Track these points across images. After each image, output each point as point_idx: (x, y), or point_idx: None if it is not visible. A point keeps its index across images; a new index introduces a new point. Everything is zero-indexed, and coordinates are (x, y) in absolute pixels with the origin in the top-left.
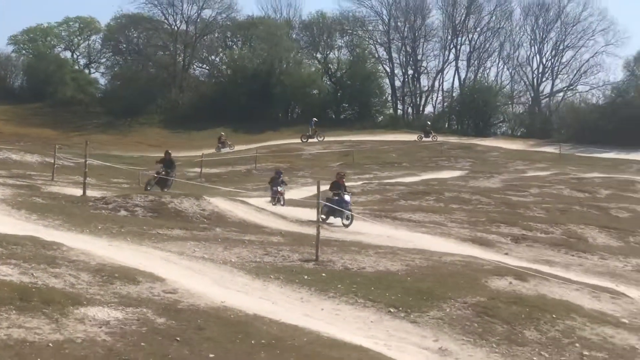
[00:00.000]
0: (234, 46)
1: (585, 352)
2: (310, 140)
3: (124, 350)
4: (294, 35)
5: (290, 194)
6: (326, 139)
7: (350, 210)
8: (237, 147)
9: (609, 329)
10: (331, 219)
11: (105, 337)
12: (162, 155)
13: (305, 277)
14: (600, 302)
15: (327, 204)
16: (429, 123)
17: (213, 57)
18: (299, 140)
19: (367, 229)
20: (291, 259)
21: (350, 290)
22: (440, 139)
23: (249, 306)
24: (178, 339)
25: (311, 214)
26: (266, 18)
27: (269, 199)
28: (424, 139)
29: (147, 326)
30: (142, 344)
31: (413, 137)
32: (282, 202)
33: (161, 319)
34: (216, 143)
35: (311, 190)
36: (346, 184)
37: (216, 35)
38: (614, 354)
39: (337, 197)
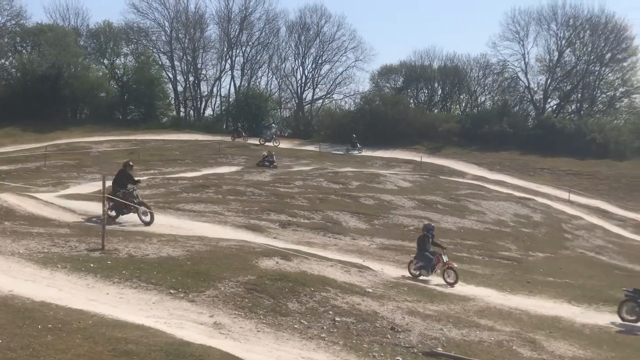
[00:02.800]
0: (24, 51)
1: (337, 318)
2: (267, 143)
3: None
4: (81, 42)
5: (78, 189)
6: (114, 137)
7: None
8: (27, 146)
9: (356, 297)
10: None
11: None
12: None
13: (92, 265)
14: (350, 275)
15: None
16: (355, 135)
17: (3, 60)
18: (87, 139)
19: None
20: (78, 249)
21: (134, 276)
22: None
23: (36, 294)
24: None
25: (98, 207)
26: (54, 25)
27: (414, 269)
28: (350, 151)
29: None
30: None
31: (194, 136)
32: (452, 280)
33: None
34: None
35: (98, 186)
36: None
37: (5, 40)
38: (360, 318)
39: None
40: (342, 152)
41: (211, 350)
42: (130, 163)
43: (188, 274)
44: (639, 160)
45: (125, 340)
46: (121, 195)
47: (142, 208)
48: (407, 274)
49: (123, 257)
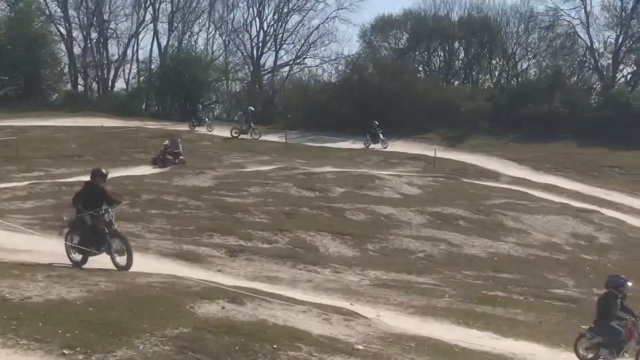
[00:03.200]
0: None
1: None
2: (242, 136)
3: None
4: None
5: None
6: None
7: None
8: None
9: (340, 358)
10: None
11: None
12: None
13: None
14: (332, 326)
15: None
16: (377, 122)
17: None
18: None
19: (35, 246)
20: None
21: (9, 329)
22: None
23: None
24: None
25: None
26: None
27: (586, 348)
28: (371, 145)
29: None
30: None
31: (99, 121)
32: None
33: None
34: None
35: None
36: (6, 184)
37: None
38: None
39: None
40: (362, 146)
41: None
42: (103, 171)
43: (90, 325)
44: None
45: None
46: (88, 222)
47: (116, 242)
48: (575, 357)
49: None
